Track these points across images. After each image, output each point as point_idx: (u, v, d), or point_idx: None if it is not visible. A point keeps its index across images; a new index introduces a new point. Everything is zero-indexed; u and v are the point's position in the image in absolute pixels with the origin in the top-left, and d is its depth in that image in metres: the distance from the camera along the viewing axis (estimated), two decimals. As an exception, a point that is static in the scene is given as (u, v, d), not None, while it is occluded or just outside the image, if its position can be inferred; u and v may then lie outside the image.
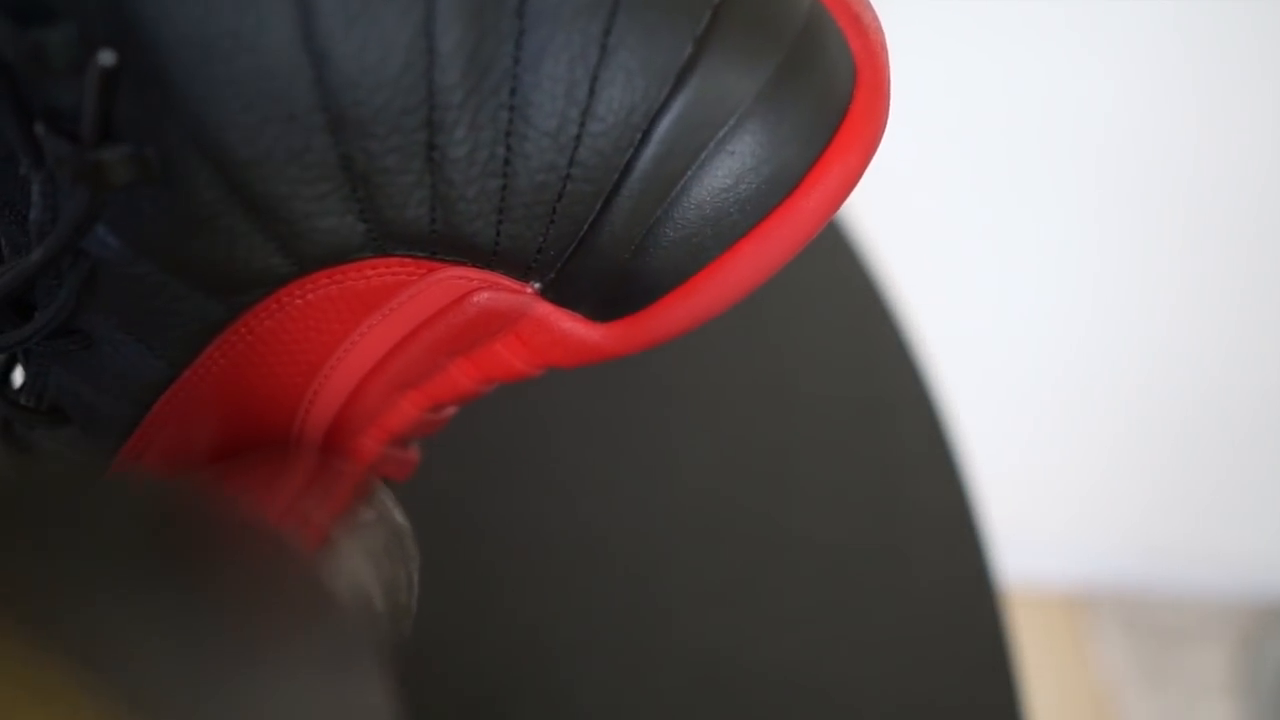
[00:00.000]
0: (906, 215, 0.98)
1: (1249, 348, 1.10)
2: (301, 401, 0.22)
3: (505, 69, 0.18)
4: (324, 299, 0.21)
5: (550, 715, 0.35)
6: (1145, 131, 0.92)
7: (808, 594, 0.39)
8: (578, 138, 0.19)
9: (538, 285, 0.22)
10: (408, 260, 0.21)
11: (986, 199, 0.99)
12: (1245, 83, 0.88)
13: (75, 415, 0.22)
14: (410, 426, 0.25)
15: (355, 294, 0.21)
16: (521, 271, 0.21)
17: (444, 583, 0.37)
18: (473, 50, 0.18)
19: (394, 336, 0.22)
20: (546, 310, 0.22)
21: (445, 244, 0.20)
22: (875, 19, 0.21)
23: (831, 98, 0.20)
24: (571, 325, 0.22)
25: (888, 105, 0.21)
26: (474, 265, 0.21)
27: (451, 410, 0.26)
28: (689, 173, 0.20)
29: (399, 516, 0.22)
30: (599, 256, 0.21)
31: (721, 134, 0.19)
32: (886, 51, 0.21)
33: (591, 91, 0.19)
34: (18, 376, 0.24)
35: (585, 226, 0.20)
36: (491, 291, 0.21)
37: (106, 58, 0.16)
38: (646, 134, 0.19)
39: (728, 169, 0.20)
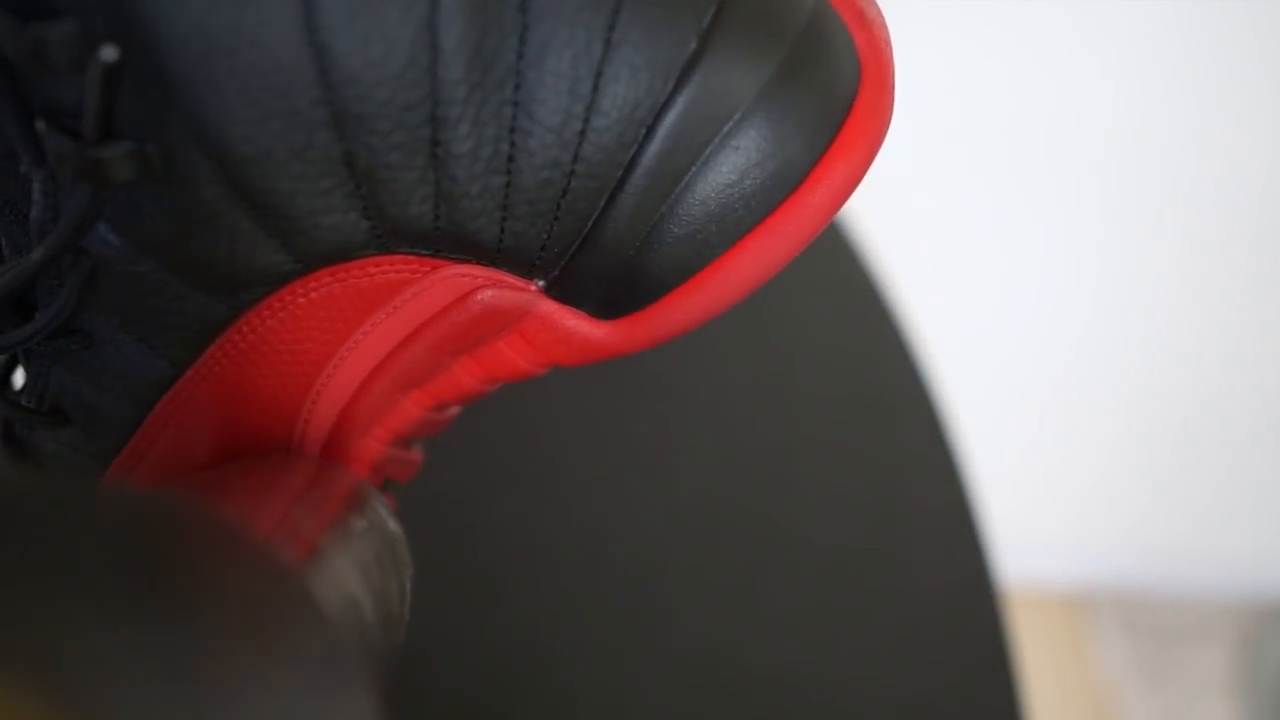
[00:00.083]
0: (907, 215, 0.98)
1: (1249, 348, 1.10)
2: (304, 401, 0.22)
3: (509, 64, 0.18)
4: (327, 297, 0.21)
5: (550, 715, 0.35)
6: (1145, 132, 0.92)
7: (808, 594, 0.39)
8: (582, 133, 0.19)
9: (541, 283, 0.21)
10: (411, 258, 0.20)
11: (986, 199, 0.99)
12: (1247, 83, 0.88)
13: (76, 416, 0.22)
14: (414, 426, 0.24)
15: (358, 292, 0.21)
16: (525, 269, 0.21)
17: (444, 584, 0.37)
18: (476, 45, 0.18)
19: (397, 335, 0.22)
20: (550, 308, 0.22)
21: (449, 241, 0.20)
22: (879, 13, 0.21)
23: (836, 93, 0.20)
24: (575, 323, 0.22)
25: (892, 100, 0.21)
26: (478, 263, 0.21)
27: (455, 410, 0.26)
28: (693, 169, 0.20)
29: (392, 524, 0.22)
30: (603, 253, 0.20)
31: (726, 129, 0.19)
32: (891, 46, 0.21)
33: (596, 87, 0.18)
34: (19, 378, 0.24)
35: (589, 223, 0.20)
36: (495, 289, 0.21)
37: (108, 54, 0.16)
38: (651, 129, 0.19)
39: (732, 165, 0.20)
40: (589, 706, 0.35)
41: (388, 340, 0.22)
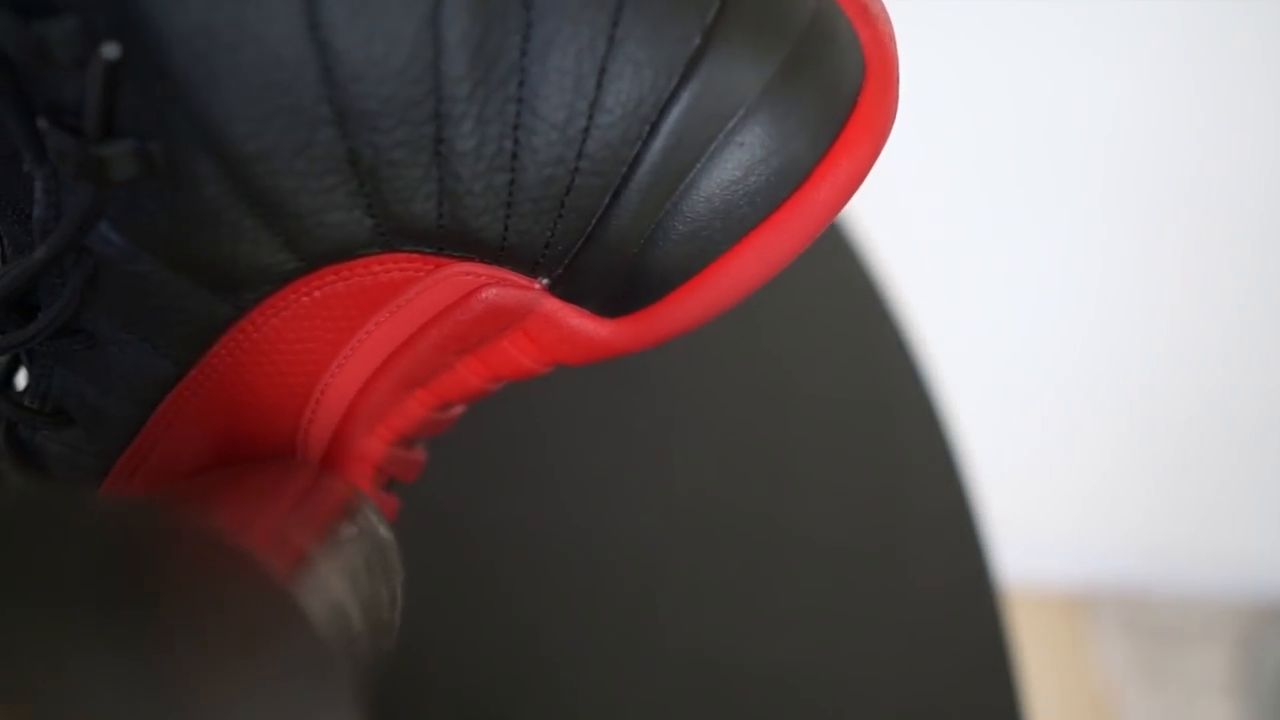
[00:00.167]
0: (907, 215, 0.98)
1: (1251, 349, 1.11)
2: (308, 401, 0.22)
3: (512, 61, 0.18)
4: (330, 296, 0.21)
5: (549, 715, 0.35)
6: (1147, 132, 0.93)
7: (807, 595, 0.39)
8: (586, 130, 0.19)
9: (546, 281, 0.21)
10: (415, 256, 0.20)
11: (987, 199, 0.99)
12: (1249, 84, 0.88)
13: (79, 417, 0.22)
14: (418, 426, 0.24)
15: (362, 290, 0.21)
16: (529, 267, 0.21)
17: (443, 584, 0.37)
18: (480, 42, 0.18)
19: (401, 334, 0.22)
20: (554, 306, 0.22)
21: (453, 239, 0.20)
22: (883, 9, 0.21)
23: (840, 89, 0.20)
24: (580, 321, 0.22)
25: (897, 96, 0.21)
26: (482, 261, 0.21)
27: (459, 409, 0.25)
28: (698, 165, 0.20)
29: (383, 530, 0.22)
30: (607, 251, 0.20)
31: (730, 126, 0.19)
32: (895, 41, 0.21)
33: (599, 84, 0.18)
34: (21, 379, 0.24)
35: (593, 221, 0.20)
36: (499, 287, 0.21)
37: (110, 51, 0.16)
38: (655, 126, 0.19)
39: (737, 161, 0.20)
40: (588, 707, 0.35)
41: (391, 339, 0.22)
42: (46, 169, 0.18)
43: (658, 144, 0.19)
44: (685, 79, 0.19)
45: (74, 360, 0.21)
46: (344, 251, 0.20)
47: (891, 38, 0.21)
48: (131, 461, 0.22)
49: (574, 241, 0.20)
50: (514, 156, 0.19)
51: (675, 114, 0.19)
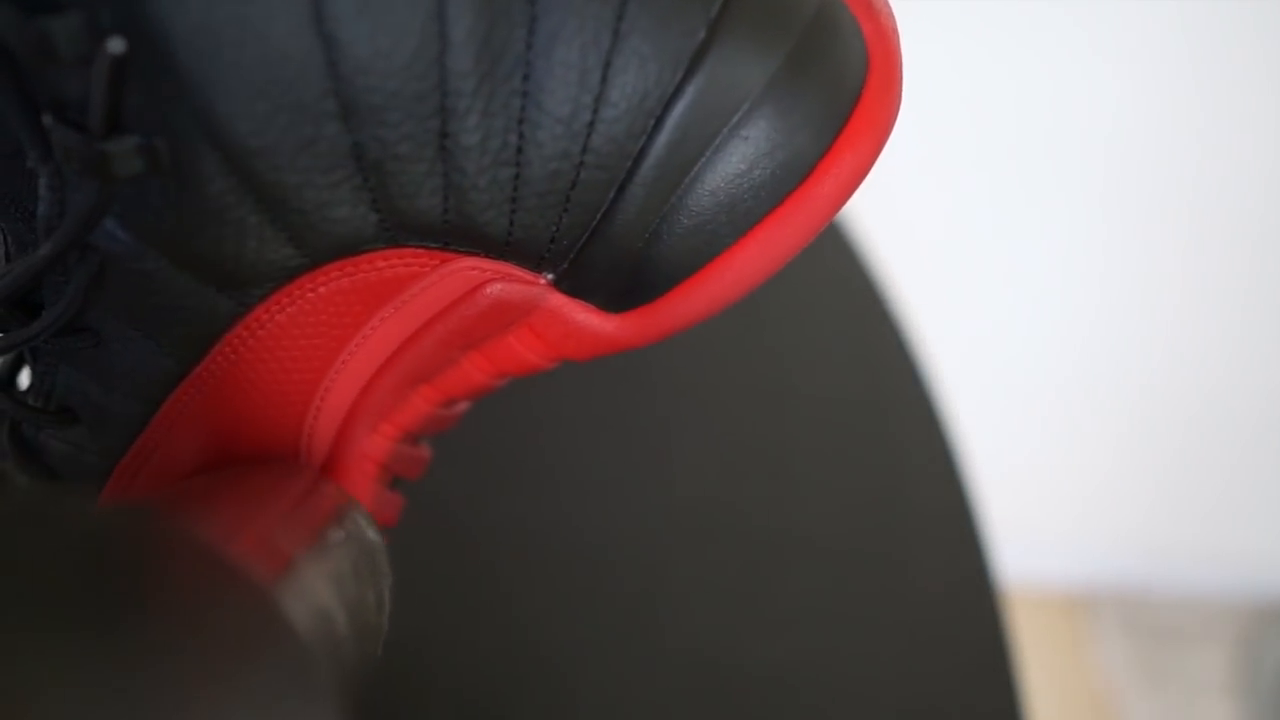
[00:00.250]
0: (907, 215, 0.98)
1: (1251, 349, 1.11)
2: (312, 398, 0.22)
3: (518, 55, 0.18)
4: (335, 292, 0.20)
5: (549, 715, 0.35)
6: (1148, 132, 0.93)
7: (807, 595, 0.39)
8: (591, 124, 0.19)
9: (551, 276, 0.21)
10: (420, 251, 0.20)
11: (987, 199, 0.99)
12: (1251, 84, 0.89)
13: (83, 415, 0.22)
14: (423, 422, 0.24)
15: (367, 286, 0.21)
16: (534, 262, 0.21)
17: (443, 584, 0.37)
18: (485, 36, 0.18)
19: (406, 330, 0.22)
20: (560, 301, 0.22)
21: (458, 234, 0.20)
22: (886, 3, 0.21)
23: (844, 83, 0.20)
24: (585, 316, 0.22)
25: (901, 90, 0.21)
26: (487, 256, 0.21)
27: (464, 405, 0.25)
28: (703, 159, 0.20)
29: (371, 534, 0.22)
30: (613, 245, 0.20)
31: (735, 119, 0.19)
32: (898, 35, 0.21)
33: (604, 77, 0.18)
34: (25, 378, 0.24)
35: (599, 215, 0.20)
36: (504, 283, 0.21)
37: (115, 46, 0.16)
38: (660, 120, 0.19)
39: (742, 155, 0.20)
40: (588, 707, 0.35)
41: (396, 335, 0.22)
42: (51, 166, 0.18)
43: (662, 138, 0.19)
44: (690, 73, 0.19)
45: (78, 358, 0.21)
46: (349, 247, 0.20)
47: (895, 31, 0.21)
48: (136, 460, 0.22)
49: (579, 236, 0.20)
50: (519, 151, 0.19)
51: (680, 108, 0.19)
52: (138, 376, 0.21)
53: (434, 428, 0.25)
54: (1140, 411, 1.18)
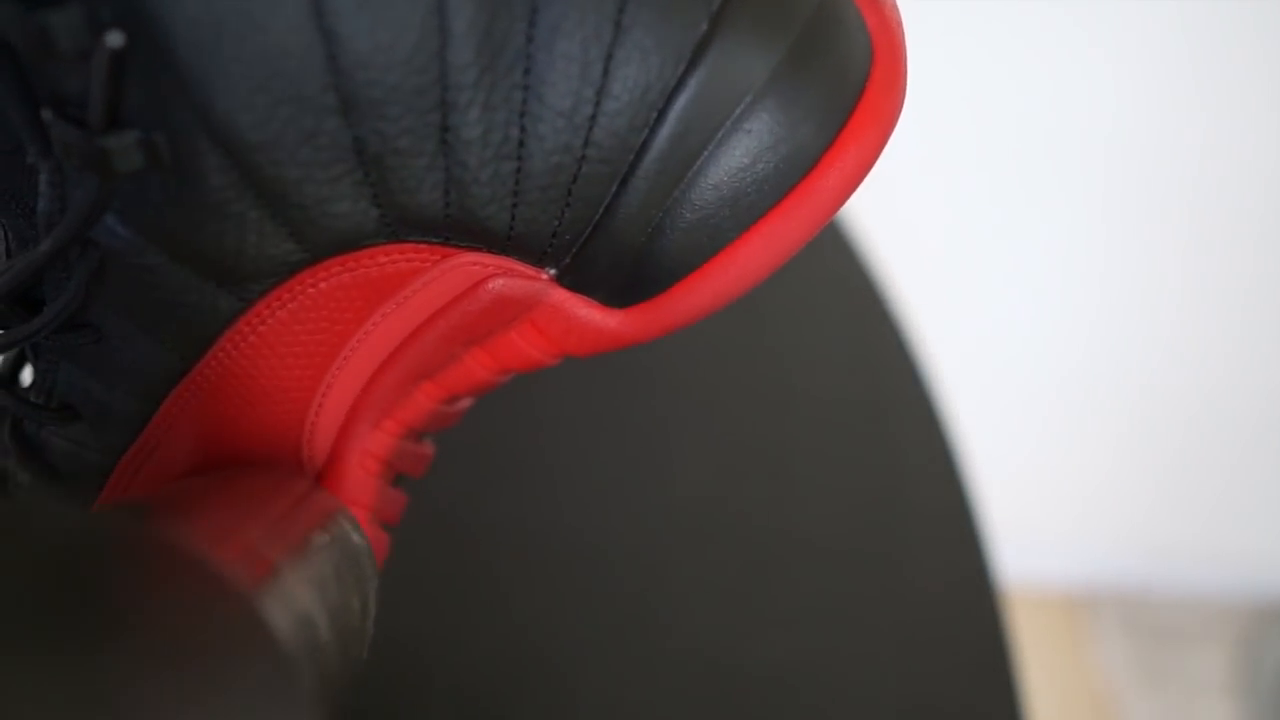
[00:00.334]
0: (908, 215, 0.98)
1: (1251, 349, 1.11)
2: (315, 394, 0.22)
3: (519, 48, 0.18)
4: (337, 287, 0.20)
5: (548, 715, 0.35)
6: (1149, 132, 0.93)
7: (807, 595, 0.39)
8: (593, 118, 0.19)
9: (553, 271, 0.21)
10: (421, 246, 0.20)
11: (987, 198, 0.99)
12: (1251, 84, 0.89)
13: (85, 412, 0.22)
14: (425, 419, 0.24)
15: (369, 281, 0.21)
16: (536, 257, 0.21)
17: (442, 584, 0.36)
18: (486, 29, 0.17)
19: (408, 325, 0.22)
20: (562, 297, 0.22)
21: (459, 229, 0.20)
22: None
23: (848, 75, 0.20)
24: (587, 312, 0.22)
25: (905, 82, 0.21)
26: (488, 251, 0.21)
27: (467, 402, 0.25)
28: (706, 152, 0.19)
29: (356, 538, 0.22)
30: (615, 240, 0.20)
31: (738, 112, 0.19)
32: (902, 27, 0.21)
33: (606, 70, 0.18)
34: (26, 375, 0.24)
35: (601, 209, 0.20)
36: (506, 278, 0.21)
37: (114, 40, 0.16)
38: (662, 113, 0.19)
39: (745, 148, 0.19)
40: (587, 707, 0.35)
41: (398, 331, 0.22)
42: (51, 161, 0.18)
43: (665, 131, 0.19)
44: (692, 65, 0.19)
45: (79, 355, 0.21)
46: (350, 242, 0.20)
47: (899, 23, 0.21)
48: (137, 456, 0.22)
49: (581, 230, 0.20)
50: (520, 144, 0.19)
51: (682, 101, 0.19)
52: (139, 373, 0.21)
53: (437, 424, 0.25)
54: (1140, 411, 1.18)
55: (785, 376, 0.45)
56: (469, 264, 0.21)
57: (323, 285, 0.20)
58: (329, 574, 0.19)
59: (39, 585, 0.13)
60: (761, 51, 0.19)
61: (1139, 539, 1.34)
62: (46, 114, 0.17)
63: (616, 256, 0.21)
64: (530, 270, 0.21)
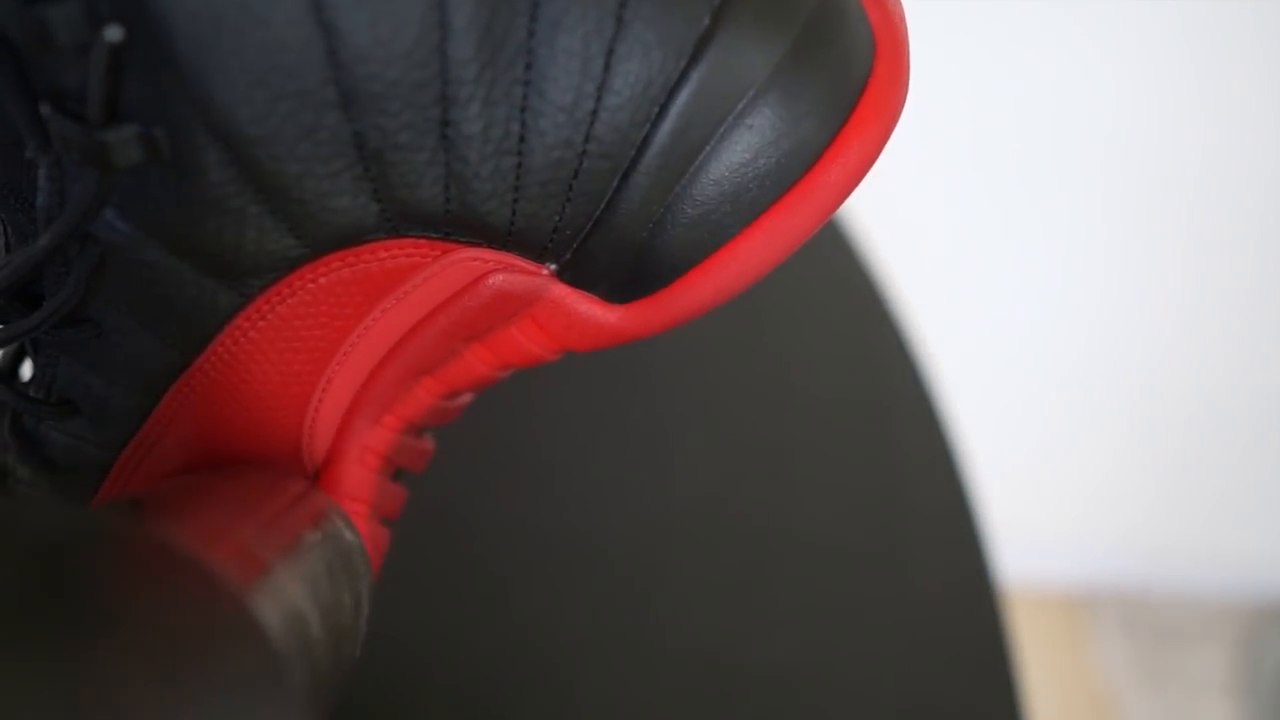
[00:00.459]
0: (908, 214, 0.98)
1: (1251, 349, 1.11)
2: (315, 389, 0.22)
3: (520, 43, 0.18)
4: (337, 282, 0.20)
5: (548, 715, 0.35)
6: (1149, 132, 0.93)
7: (807, 595, 0.39)
8: (594, 113, 0.19)
9: (554, 266, 0.21)
10: (422, 241, 0.20)
11: (987, 198, 0.99)
12: (1252, 84, 0.89)
13: (85, 407, 0.22)
14: (426, 414, 0.24)
15: (369, 277, 0.20)
16: (537, 252, 0.21)
17: (442, 582, 0.36)
18: (487, 24, 0.17)
19: (409, 321, 0.22)
20: (563, 292, 0.22)
21: (460, 224, 0.20)
22: None
23: (851, 70, 0.20)
24: (588, 308, 0.22)
25: (908, 77, 0.21)
26: (489, 246, 0.21)
27: (468, 397, 0.25)
28: (707, 148, 0.19)
29: (349, 535, 0.22)
30: (616, 235, 0.20)
31: (740, 107, 0.19)
32: (905, 21, 0.21)
33: (607, 65, 0.18)
34: (26, 370, 0.24)
35: (602, 204, 0.20)
36: (507, 273, 0.21)
37: (113, 34, 0.16)
38: (664, 108, 0.19)
39: (746, 143, 0.19)
40: (588, 707, 0.35)
41: (398, 326, 0.22)
42: (50, 156, 0.18)
43: (666, 126, 0.19)
44: (694, 60, 0.19)
45: (79, 350, 0.21)
46: (350, 237, 0.20)
47: (902, 18, 0.21)
48: (137, 451, 0.22)
49: (582, 226, 0.20)
50: (521, 139, 0.19)
51: (684, 96, 0.19)
52: (139, 368, 0.21)
53: (437, 420, 0.25)
54: (1140, 411, 1.18)
55: (785, 376, 0.45)
56: (469, 259, 0.21)
57: (323, 280, 0.20)
58: (321, 571, 0.19)
59: (30, 583, 0.13)
60: (764, 46, 0.19)
61: (1139, 539, 1.34)
62: (45, 108, 0.17)
63: (617, 252, 0.20)
64: (531, 265, 0.21)
